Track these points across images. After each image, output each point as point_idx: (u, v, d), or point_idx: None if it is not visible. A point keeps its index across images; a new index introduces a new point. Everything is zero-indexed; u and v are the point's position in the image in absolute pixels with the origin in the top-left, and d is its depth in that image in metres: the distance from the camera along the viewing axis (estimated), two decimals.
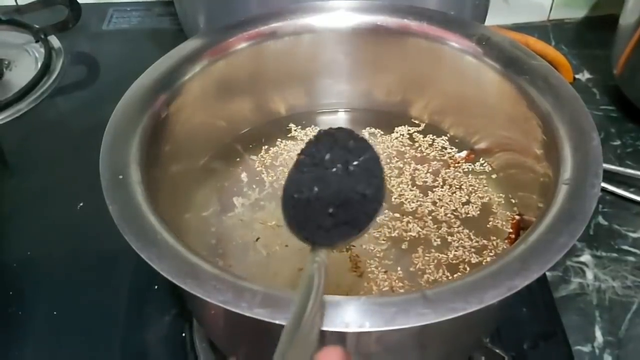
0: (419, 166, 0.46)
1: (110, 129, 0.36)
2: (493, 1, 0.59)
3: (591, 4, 0.71)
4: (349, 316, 0.27)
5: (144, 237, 0.30)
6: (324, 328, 0.26)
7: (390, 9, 0.46)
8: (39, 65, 0.64)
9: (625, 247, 0.48)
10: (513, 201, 0.43)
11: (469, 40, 0.43)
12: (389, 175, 0.45)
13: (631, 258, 0.48)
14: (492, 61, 0.42)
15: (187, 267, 0.29)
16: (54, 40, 0.68)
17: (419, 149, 0.47)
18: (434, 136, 0.48)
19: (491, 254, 0.40)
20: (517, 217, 0.42)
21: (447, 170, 0.46)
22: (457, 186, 0.44)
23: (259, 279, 0.39)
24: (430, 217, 0.42)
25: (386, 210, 0.43)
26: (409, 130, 0.49)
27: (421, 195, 0.44)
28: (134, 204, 0.32)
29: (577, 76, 0.64)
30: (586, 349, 0.42)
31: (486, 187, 0.44)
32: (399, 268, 0.39)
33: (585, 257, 0.48)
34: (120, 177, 0.33)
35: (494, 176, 0.45)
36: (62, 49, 0.67)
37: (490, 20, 0.61)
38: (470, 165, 0.46)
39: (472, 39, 0.43)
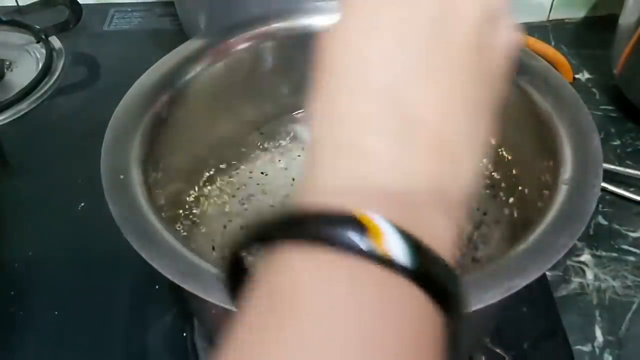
0: None
1: (111, 129, 0.37)
2: None
3: (591, 4, 0.71)
4: None
5: (144, 237, 0.30)
6: None
7: None
8: (40, 65, 0.64)
9: (626, 247, 0.48)
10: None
11: None
12: None
13: (631, 258, 0.48)
14: None
15: (187, 266, 0.29)
16: (55, 41, 0.68)
17: None
18: None
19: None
20: None
21: None
22: None
23: None
24: None
25: None
26: None
27: None
28: (135, 204, 0.32)
29: (576, 76, 0.64)
30: (586, 348, 0.42)
31: None
32: None
33: (585, 257, 0.48)
34: (122, 177, 0.33)
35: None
36: (63, 49, 0.68)
37: None
38: None
39: None
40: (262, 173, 0.46)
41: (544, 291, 0.45)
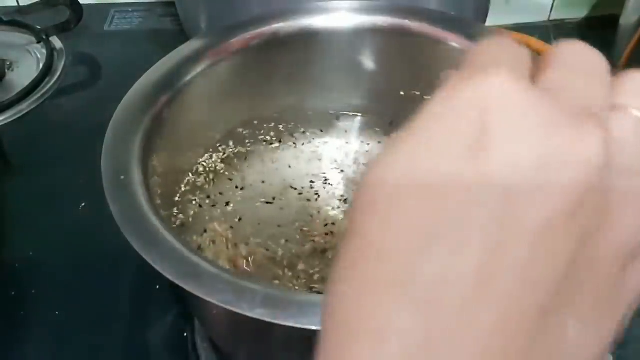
0: None
1: (112, 129, 0.37)
2: (494, 1, 0.59)
3: (592, 4, 0.71)
4: None
5: (145, 238, 0.30)
6: (313, 327, 0.26)
7: (391, 9, 0.46)
8: (41, 66, 0.64)
9: None
10: None
11: (470, 41, 0.43)
12: None
13: None
14: None
15: (188, 267, 0.29)
16: (56, 41, 0.68)
17: None
18: None
19: None
20: None
21: None
22: None
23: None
24: None
25: None
26: None
27: None
28: (136, 204, 0.32)
29: None
30: None
31: None
32: None
33: None
34: (122, 177, 0.33)
35: None
36: (64, 49, 0.68)
37: (491, 21, 0.61)
38: None
39: (473, 39, 0.43)
40: (262, 172, 0.46)
41: None
